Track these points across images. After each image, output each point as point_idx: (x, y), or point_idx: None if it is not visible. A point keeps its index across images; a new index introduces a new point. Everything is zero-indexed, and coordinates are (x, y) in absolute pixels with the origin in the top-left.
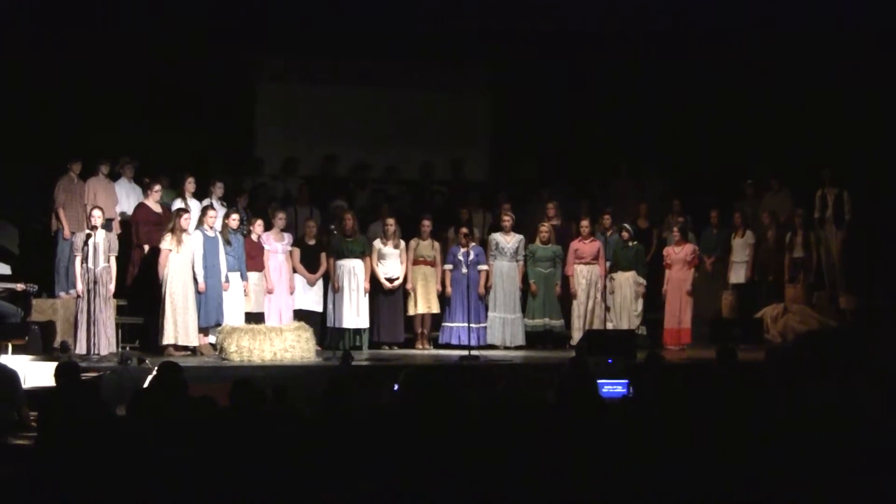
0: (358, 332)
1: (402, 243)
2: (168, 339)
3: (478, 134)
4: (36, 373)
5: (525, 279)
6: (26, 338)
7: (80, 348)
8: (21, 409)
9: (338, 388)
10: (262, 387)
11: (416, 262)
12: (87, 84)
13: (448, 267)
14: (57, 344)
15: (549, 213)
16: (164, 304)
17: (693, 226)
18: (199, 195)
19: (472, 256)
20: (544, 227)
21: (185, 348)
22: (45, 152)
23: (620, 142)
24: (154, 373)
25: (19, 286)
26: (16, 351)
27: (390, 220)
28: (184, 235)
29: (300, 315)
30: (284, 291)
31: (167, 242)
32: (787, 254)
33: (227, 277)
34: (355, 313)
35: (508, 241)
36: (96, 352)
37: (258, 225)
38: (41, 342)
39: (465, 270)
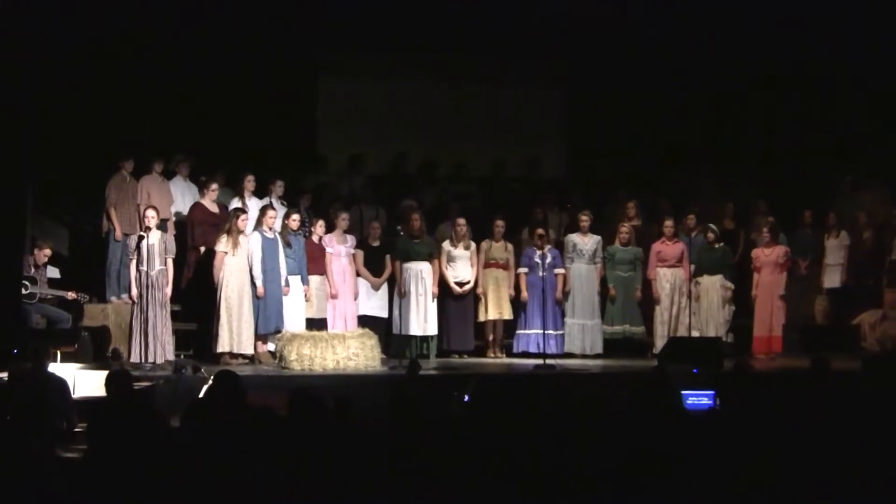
0: (425, 339)
1: (473, 245)
2: (223, 346)
3: (553, 129)
4: (86, 381)
5: (603, 283)
6: (76, 345)
7: (134, 356)
8: (71, 419)
9: (404, 399)
10: (323, 397)
11: (487, 265)
12: (140, 79)
13: (522, 270)
14: (109, 352)
15: (629, 212)
16: (219, 310)
17: (782, 227)
18: (259, 194)
19: (548, 259)
20: (624, 228)
21: (242, 356)
22: (97, 150)
23: (703, 137)
24: (210, 382)
25: (70, 294)
26: (65, 358)
27: (460, 221)
28: (241, 237)
29: (364, 321)
30: (348, 296)
31: (222, 244)
32: (885, 256)
33: (286, 281)
34: (423, 319)
35: (586, 242)
36: (150, 360)
37: (320, 226)
38: (92, 349)
39: (541, 274)
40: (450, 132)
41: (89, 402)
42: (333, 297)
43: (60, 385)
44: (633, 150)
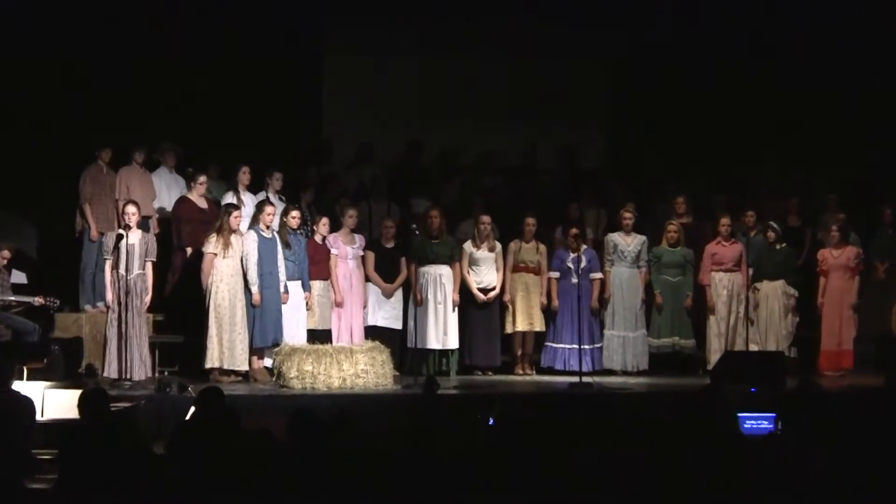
0: (445, 354)
1: (499, 246)
2: (212, 361)
3: (592, 113)
4: (56, 402)
5: (649, 289)
6: (45, 360)
7: (110, 372)
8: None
9: (420, 422)
10: (327, 420)
11: (515, 269)
12: (119, 56)
13: (555, 275)
14: (82, 367)
15: (679, 209)
16: (209, 320)
17: (854, 226)
18: (255, 188)
19: (584, 262)
20: (673, 227)
21: (235, 373)
22: (69, 137)
23: (765, 122)
24: (195, 402)
25: (38, 300)
26: (32, 376)
27: (485, 218)
28: (233, 237)
29: (374, 333)
30: (355, 304)
31: (212, 245)
32: None
33: (286, 287)
34: (442, 331)
35: (629, 242)
36: (129, 377)
37: (324, 224)
38: (63, 365)
39: (575, 279)
40: (473, 116)
41: (60, 426)
42: (339, 305)
43: (27, 407)
44: (683, 137)
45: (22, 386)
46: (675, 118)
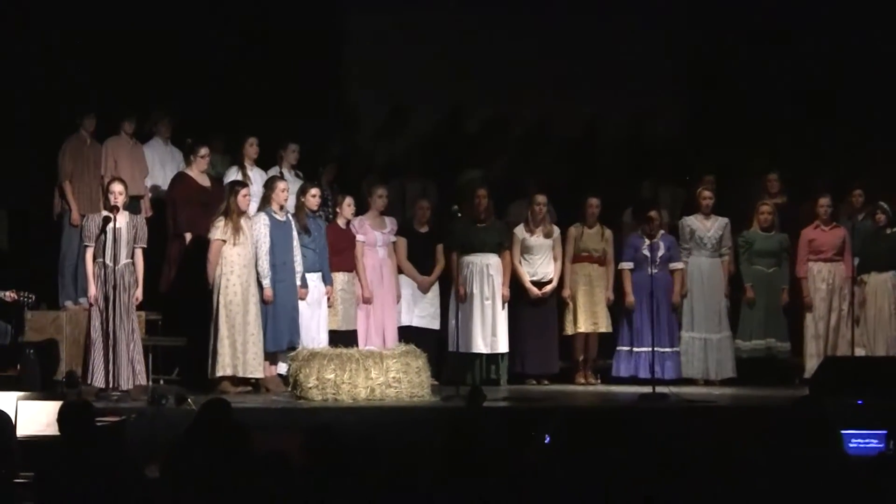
0: (493, 359)
1: (557, 231)
2: (222, 369)
3: (668, 77)
4: (31, 416)
5: (734, 282)
6: (18, 366)
7: (95, 380)
8: (13, 466)
9: (463, 440)
10: (352, 438)
11: (577, 259)
12: (106, 7)
13: (626, 265)
14: (61, 375)
15: (771, 187)
16: (219, 319)
17: None
18: (265, 162)
19: (661, 251)
20: (766, 207)
21: (246, 382)
22: (46, 103)
23: (873, 84)
24: (195, 416)
25: (7, 295)
26: (3, 384)
27: (540, 198)
28: (243, 220)
29: (409, 334)
30: (386, 301)
31: (220, 230)
32: None
33: (303, 280)
34: (489, 332)
35: (708, 227)
36: (117, 385)
37: (348, 205)
38: (39, 372)
39: (651, 271)
40: (525, 79)
41: (36, 444)
42: (366, 301)
43: (3, 423)
44: (775, 102)
45: None
46: (765, 82)
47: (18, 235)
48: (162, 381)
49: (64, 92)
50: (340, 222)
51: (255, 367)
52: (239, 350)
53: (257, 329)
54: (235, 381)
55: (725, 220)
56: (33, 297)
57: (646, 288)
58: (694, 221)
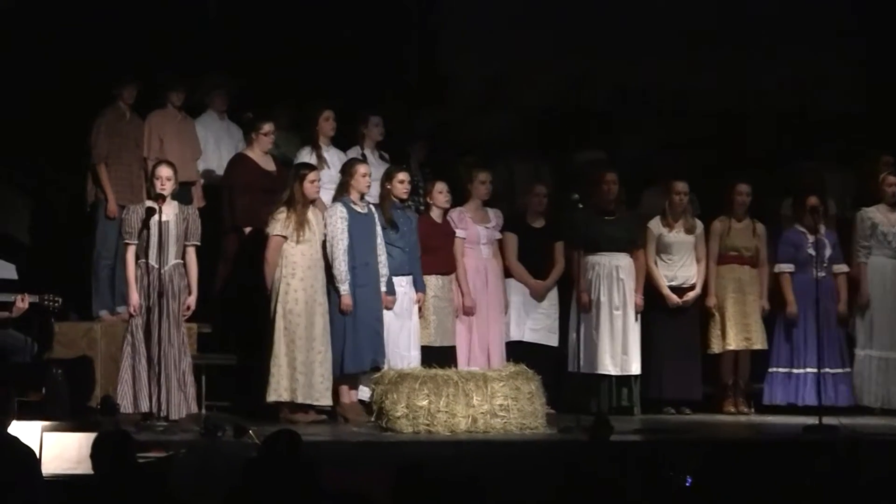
0: (623, 382)
1: (700, 226)
2: (278, 392)
3: (836, 37)
4: (59, 450)
5: None
6: (43, 389)
7: (136, 407)
8: None
9: (584, 481)
10: (450, 477)
11: (723, 260)
12: None
13: (785, 268)
14: (95, 400)
15: None
16: (275, 332)
17: None
18: (343, 141)
19: (828, 249)
20: None
21: (316, 410)
22: (77, 70)
23: None
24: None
25: (23, 299)
26: (25, 412)
27: (680, 186)
28: (311, 212)
29: (519, 352)
30: (491, 311)
31: (280, 224)
32: None
33: (389, 286)
34: (618, 349)
35: (894, 221)
36: (163, 414)
37: (442, 192)
38: (68, 396)
39: (816, 274)
40: (660, 44)
41: (65, 483)
42: (467, 312)
43: (26, 457)
44: None
45: (14, 427)
46: None
47: (43, 229)
48: (216, 410)
49: (98, 54)
50: (434, 214)
51: (321, 393)
52: (299, 370)
53: (325, 345)
54: (302, 407)
55: None
56: (59, 302)
57: (810, 295)
58: (876, 213)
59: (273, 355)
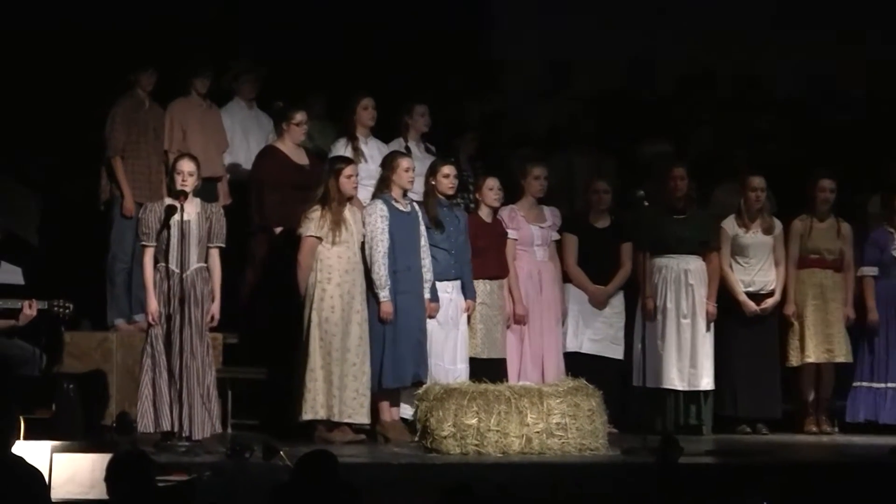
0: (693, 398)
1: (779, 225)
2: (314, 410)
3: None
4: (71, 472)
5: None
6: (53, 405)
7: (156, 426)
8: None
9: None
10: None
11: (804, 263)
12: None
13: (869, 271)
14: (110, 418)
15: None
16: (309, 344)
17: None
18: (383, 133)
19: None
20: None
21: (353, 428)
22: (90, 55)
23: None
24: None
25: (31, 305)
26: (33, 431)
27: (756, 181)
28: (349, 210)
29: (579, 365)
30: (547, 319)
31: (314, 224)
32: None
33: (433, 292)
34: (687, 362)
35: None
36: (185, 433)
37: (493, 189)
38: (81, 413)
39: None
40: (732, 25)
41: None
42: (519, 321)
43: (31, 479)
44: None
45: (21, 447)
46: None
47: (52, 229)
48: (244, 428)
49: (114, 37)
50: (483, 213)
51: (356, 409)
52: (336, 385)
53: (359, 357)
54: (337, 426)
55: None
56: (71, 308)
57: (894, 301)
58: None
59: (308, 369)
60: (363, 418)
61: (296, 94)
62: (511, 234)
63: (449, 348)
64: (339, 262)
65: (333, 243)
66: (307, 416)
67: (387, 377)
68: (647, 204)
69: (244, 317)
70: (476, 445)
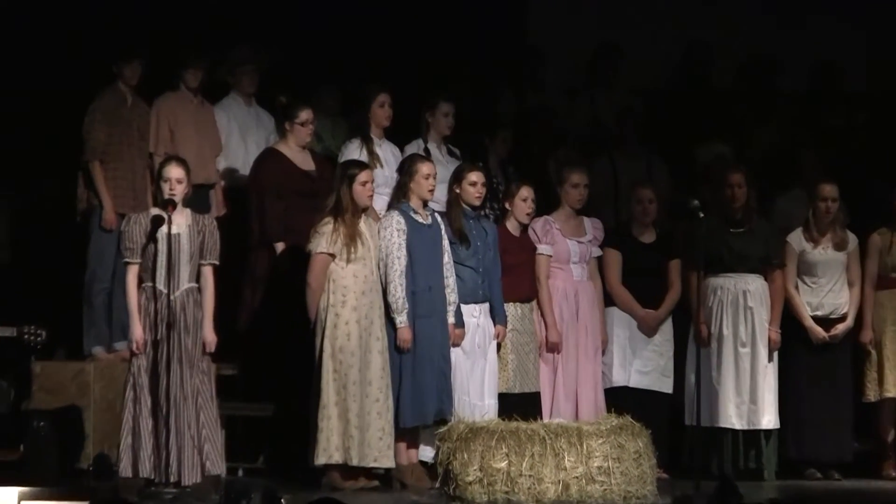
0: (754, 439)
1: (854, 240)
2: (326, 453)
3: None
4: None
5: None
6: (21, 446)
7: (139, 470)
8: None
9: None
10: None
11: (883, 284)
12: None
13: None
14: (87, 460)
15: None
16: (322, 377)
17: None
18: (400, 134)
19: None
20: None
21: (368, 473)
22: (71, 47)
23: None
24: None
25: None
26: (0, 473)
27: (827, 190)
28: (364, 223)
29: (624, 400)
30: (586, 348)
31: (325, 239)
32: None
33: (458, 316)
34: (746, 396)
35: None
36: (173, 478)
37: (526, 200)
38: (54, 454)
39: None
40: (799, 11)
41: None
42: (553, 349)
43: None
44: None
45: None
46: None
47: (22, 244)
48: (241, 472)
49: (94, 26)
50: (510, 226)
51: (381, 451)
52: (353, 424)
53: (384, 391)
54: (350, 471)
55: None
56: (43, 335)
57: None
58: None
59: (321, 406)
60: (389, 462)
61: (302, 88)
62: (544, 249)
63: (476, 381)
64: (354, 282)
65: (348, 261)
66: (321, 460)
67: (405, 414)
68: (702, 215)
69: (242, 345)
70: (506, 492)
